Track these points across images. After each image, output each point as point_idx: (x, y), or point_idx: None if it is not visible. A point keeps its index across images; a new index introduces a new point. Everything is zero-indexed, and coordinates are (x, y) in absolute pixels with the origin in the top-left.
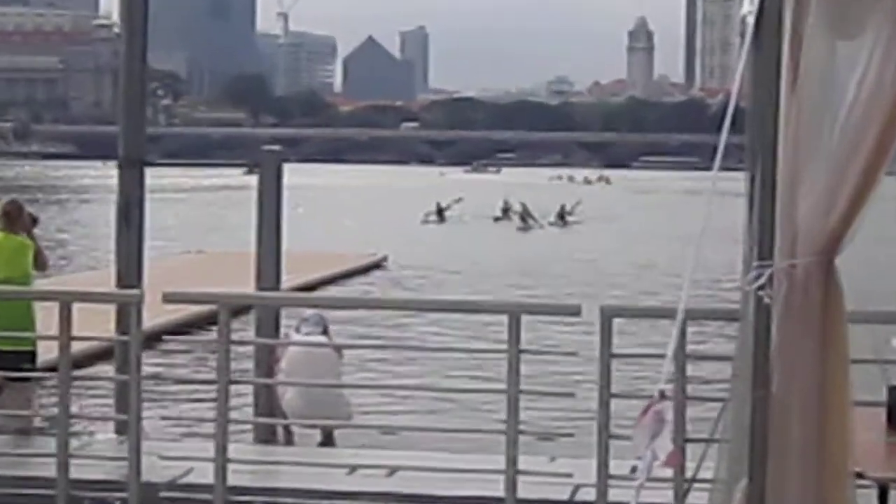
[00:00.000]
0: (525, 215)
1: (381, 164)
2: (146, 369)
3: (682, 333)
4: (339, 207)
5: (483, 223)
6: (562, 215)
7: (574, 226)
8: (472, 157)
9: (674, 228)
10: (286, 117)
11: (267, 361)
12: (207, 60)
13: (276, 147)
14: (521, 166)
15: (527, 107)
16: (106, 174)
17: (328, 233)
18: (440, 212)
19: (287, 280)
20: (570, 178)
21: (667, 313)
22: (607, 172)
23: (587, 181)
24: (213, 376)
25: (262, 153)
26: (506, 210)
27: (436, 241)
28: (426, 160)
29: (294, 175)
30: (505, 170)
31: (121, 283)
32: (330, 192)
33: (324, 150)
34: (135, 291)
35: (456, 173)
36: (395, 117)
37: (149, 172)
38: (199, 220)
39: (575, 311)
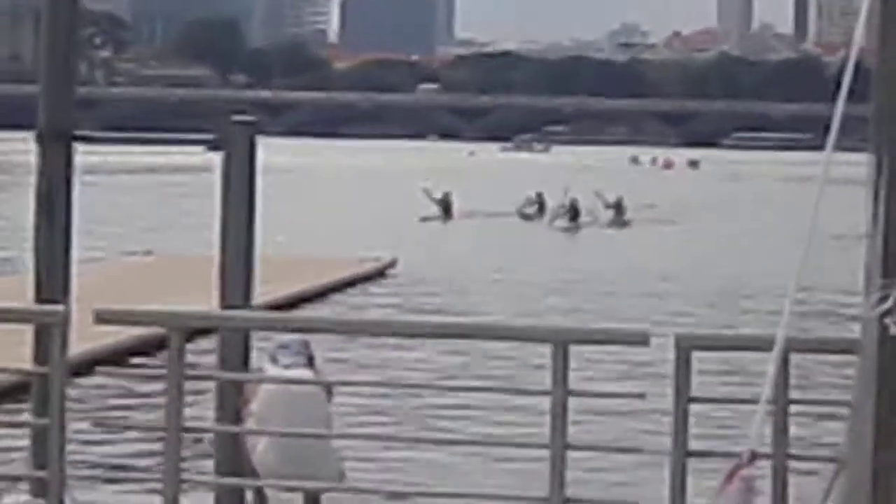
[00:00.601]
0: (573, 211)
1: (390, 139)
2: (73, 410)
3: (784, 372)
4: (332, 196)
5: (508, 221)
6: (619, 209)
7: (639, 225)
8: (511, 130)
9: (775, 229)
10: (264, 76)
11: (233, 402)
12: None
13: (247, 117)
14: (576, 144)
15: (584, 65)
16: (26, 149)
17: (315, 229)
18: (446, 204)
19: (261, 294)
20: (654, 161)
21: (762, 344)
22: (693, 153)
23: (666, 165)
24: (161, 422)
25: (228, 124)
26: (539, 204)
27: (448, 246)
28: (450, 134)
29: (276, 152)
30: (556, 148)
31: (40, 295)
32: (322, 176)
33: (315, 120)
34: (57, 308)
35: (491, 152)
36: (410, 77)
37: (81, 148)
38: (149, 211)
39: (642, 340)
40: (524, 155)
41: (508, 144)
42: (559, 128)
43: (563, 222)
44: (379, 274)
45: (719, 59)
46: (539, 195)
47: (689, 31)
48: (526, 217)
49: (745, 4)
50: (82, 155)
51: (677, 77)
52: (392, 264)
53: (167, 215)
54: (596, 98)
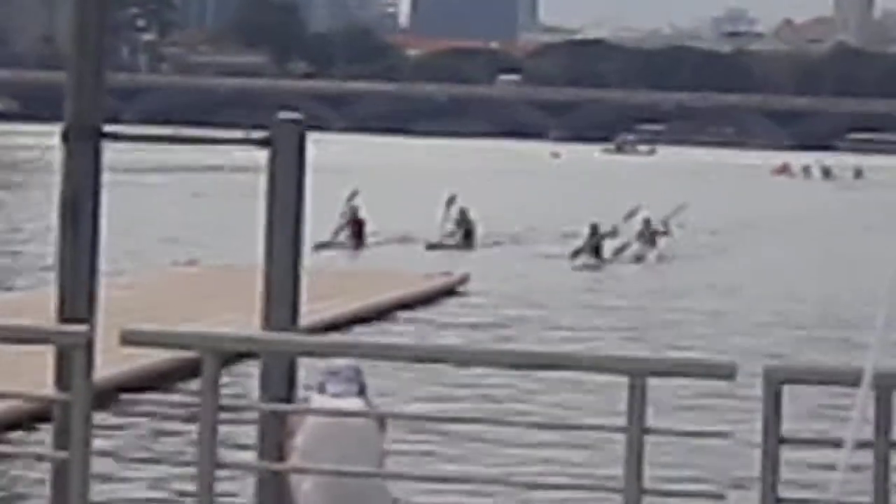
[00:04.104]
0: (598, 239)
1: (465, 138)
2: (98, 443)
3: (885, 411)
4: (400, 200)
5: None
6: (651, 236)
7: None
8: (601, 129)
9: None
10: (327, 64)
11: (275, 436)
12: None
13: (295, 114)
14: (675, 144)
15: (685, 56)
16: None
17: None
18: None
19: (310, 312)
20: (813, 170)
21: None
22: (808, 157)
23: (805, 172)
24: (192, 457)
25: (275, 122)
26: (465, 230)
27: None
28: (533, 132)
29: (337, 151)
30: (663, 150)
31: (63, 312)
32: (389, 177)
33: (382, 114)
34: (81, 328)
35: (583, 153)
36: (489, 67)
37: (114, 145)
38: (194, 215)
39: (728, 373)
40: (628, 158)
41: (609, 145)
42: (653, 127)
43: (587, 257)
44: (448, 291)
45: (836, 51)
46: (463, 212)
47: (803, 18)
48: (436, 247)
49: None
50: (122, 152)
51: (788, 70)
52: (464, 280)
53: (218, 219)
54: (697, 93)
